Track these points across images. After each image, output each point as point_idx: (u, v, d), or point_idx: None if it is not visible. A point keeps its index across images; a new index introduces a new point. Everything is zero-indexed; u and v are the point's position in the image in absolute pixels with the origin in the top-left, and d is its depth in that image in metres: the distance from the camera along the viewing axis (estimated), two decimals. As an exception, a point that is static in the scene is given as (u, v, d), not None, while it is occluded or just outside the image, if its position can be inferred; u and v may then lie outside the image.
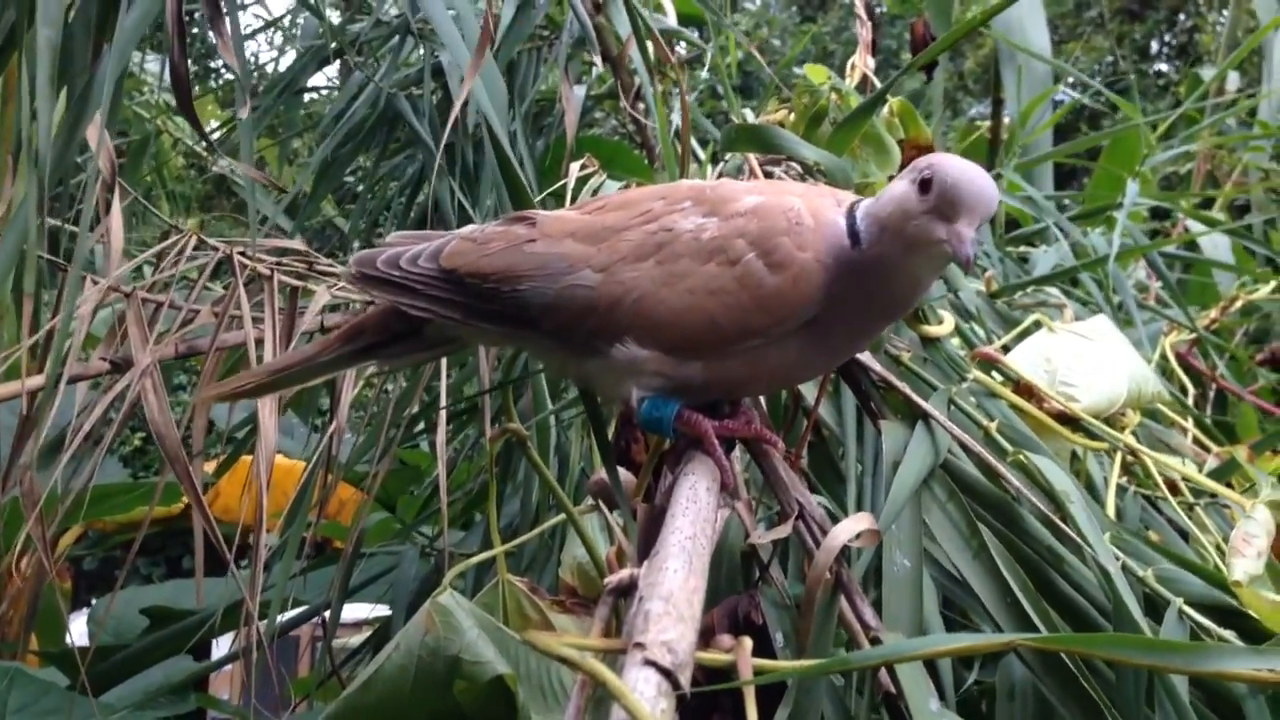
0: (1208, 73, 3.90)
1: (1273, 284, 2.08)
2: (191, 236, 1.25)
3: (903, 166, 1.43)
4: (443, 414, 1.25)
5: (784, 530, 0.72)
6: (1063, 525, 0.86)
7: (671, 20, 2.28)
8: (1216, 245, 2.77)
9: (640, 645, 0.54)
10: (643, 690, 0.51)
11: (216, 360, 1.21)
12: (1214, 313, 2.03)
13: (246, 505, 1.36)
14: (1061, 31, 9.55)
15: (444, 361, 1.33)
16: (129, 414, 1.19)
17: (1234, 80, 3.87)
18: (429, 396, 1.52)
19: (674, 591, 0.58)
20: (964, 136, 3.04)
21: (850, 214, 0.77)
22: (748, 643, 0.61)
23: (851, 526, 0.67)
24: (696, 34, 2.53)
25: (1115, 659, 0.65)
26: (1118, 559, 0.82)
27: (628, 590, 0.62)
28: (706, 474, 0.71)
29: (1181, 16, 9.05)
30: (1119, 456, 1.15)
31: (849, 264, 0.75)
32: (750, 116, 1.53)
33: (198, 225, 2.09)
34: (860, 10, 1.76)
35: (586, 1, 1.95)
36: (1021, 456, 0.92)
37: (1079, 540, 0.83)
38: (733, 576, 0.89)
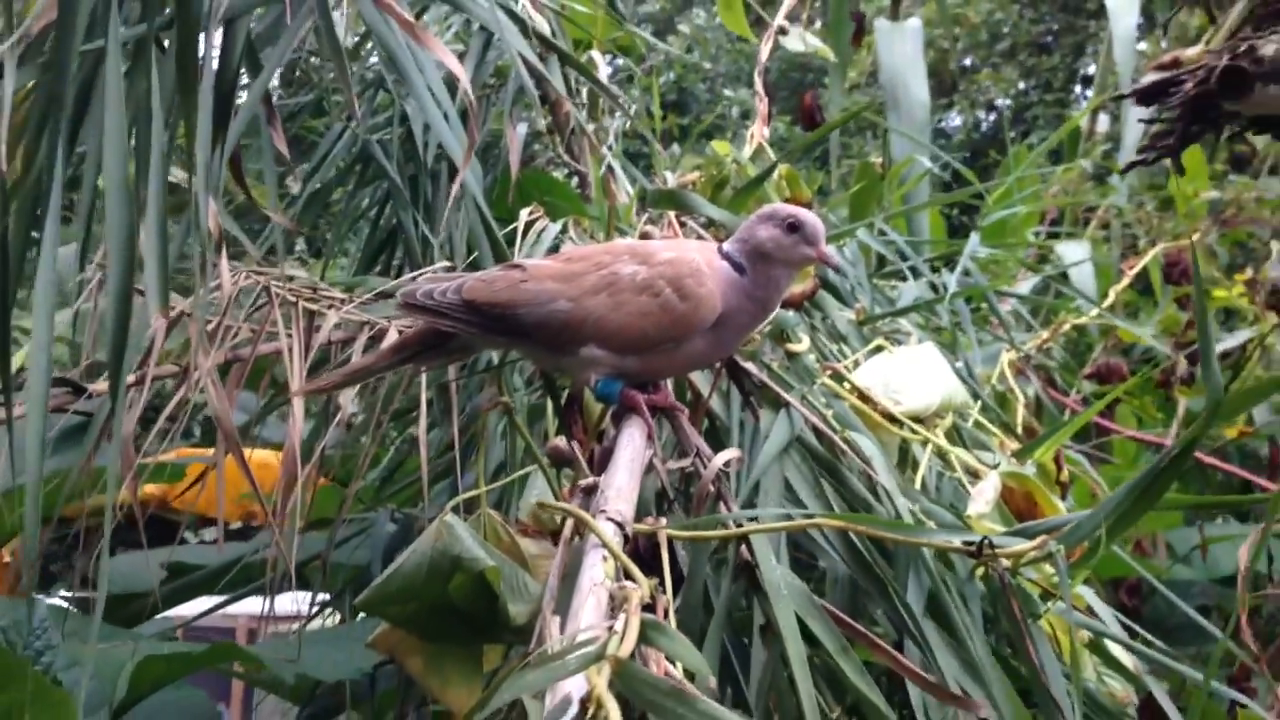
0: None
1: (1094, 311, 2.69)
2: (243, 273, 1.72)
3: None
4: (423, 403, 1.74)
5: (685, 462, 1.25)
6: (872, 478, 1.39)
7: (603, 73, 2.81)
8: (1081, 272, 3.40)
9: (603, 511, 1.05)
10: (604, 528, 1.02)
11: (250, 365, 1.70)
12: (1045, 334, 2.63)
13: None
14: (974, 61, 10.40)
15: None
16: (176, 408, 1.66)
17: (1104, 122, 4.56)
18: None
19: (622, 487, 1.10)
20: (860, 176, 3.61)
21: (723, 253, 1.31)
22: (664, 520, 1.12)
23: (726, 454, 1.20)
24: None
25: (872, 532, 1.18)
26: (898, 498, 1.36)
27: (592, 490, 1.13)
28: (639, 427, 1.24)
29: (1086, 53, 9.94)
30: (929, 447, 1.69)
31: (736, 285, 1.29)
32: (671, 178, 2.06)
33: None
34: (759, 87, 2.31)
35: (526, 58, 2.46)
36: (847, 434, 1.46)
37: (878, 488, 1.37)
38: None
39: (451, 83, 2.00)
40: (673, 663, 0.91)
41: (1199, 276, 1.14)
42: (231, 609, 2.37)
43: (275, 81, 1.70)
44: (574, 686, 0.81)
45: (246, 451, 2.21)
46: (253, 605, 2.65)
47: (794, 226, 1.32)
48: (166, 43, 1.42)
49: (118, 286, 1.11)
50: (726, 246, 1.36)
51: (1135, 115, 4.15)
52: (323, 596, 2.46)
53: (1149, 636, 1.47)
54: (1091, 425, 2.95)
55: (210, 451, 2.42)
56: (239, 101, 1.46)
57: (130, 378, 1.61)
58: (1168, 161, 1.31)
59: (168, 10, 1.31)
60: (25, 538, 1.07)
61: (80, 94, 1.27)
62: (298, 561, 2.18)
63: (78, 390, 1.56)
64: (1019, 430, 2.29)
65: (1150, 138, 1.23)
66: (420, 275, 1.80)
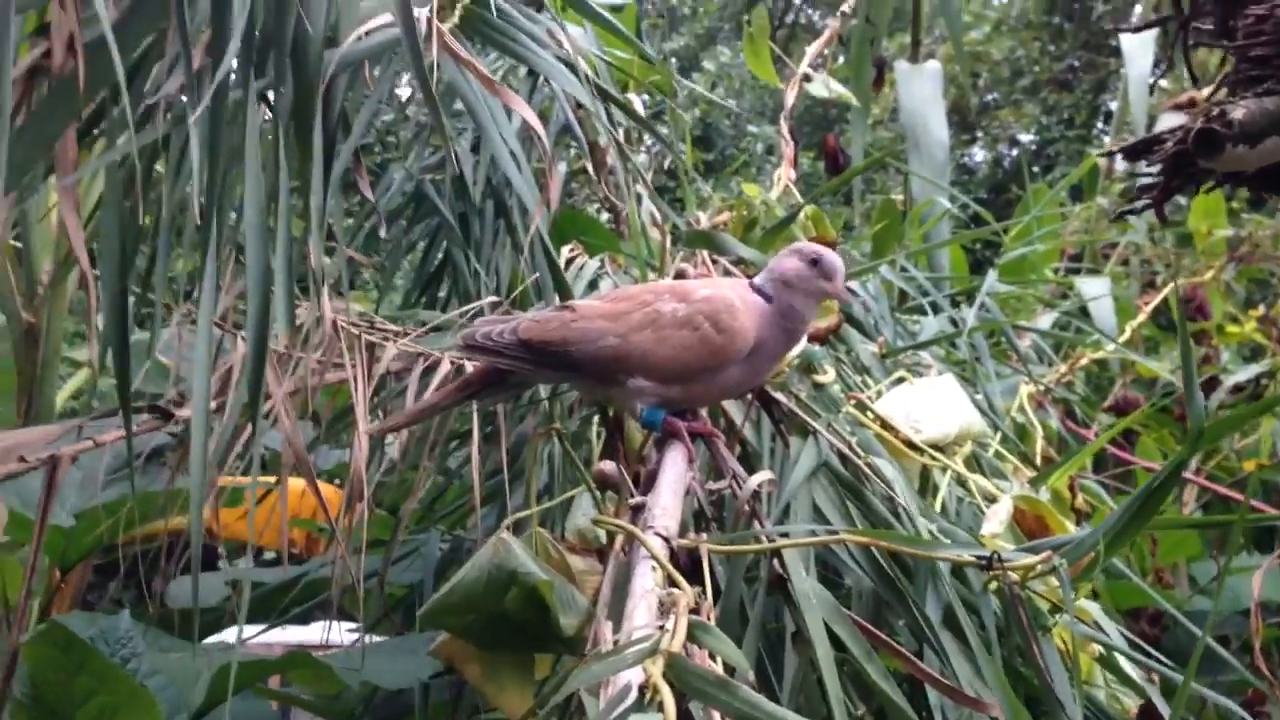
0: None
1: (1112, 346, 2.81)
2: (304, 305, 1.86)
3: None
4: (475, 429, 1.87)
5: (723, 483, 1.37)
6: (894, 500, 1.51)
7: (639, 109, 2.95)
8: (1101, 308, 3.51)
9: (650, 526, 1.18)
10: (652, 542, 1.14)
11: (317, 393, 1.83)
12: (1063, 368, 2.75)
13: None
14: (997, 98, 10.55)
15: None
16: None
17: (1121, 165, 4.68)
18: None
19: (667, 505, 1.22)
20: (882, 214, 3.75)
21: (754, 286, 1.44)
22: (704, 536, 1.25)
23: (760, 477, 1.32)
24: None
25: (892, 547, 1.30)
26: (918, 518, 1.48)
27: (640, 508, 1.26)
28: (680, 452, 1.36)
29: (1109, 89, 10.07)
30: (949, 472, 1.81)
31: (767, 315, 1.42)
32: (703, 218, 2.19)
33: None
34: (785, 131, 2.44)
35: (570, 100, 2.61)
36: (870, 460, 1.58)
37: (899, 509, 1.49)
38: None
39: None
40: (714, 660, 1.03)
41: (1181, 309, 1.26)
42: (267, 638, 2.49)
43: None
44: (631, 678, 0.93)
45: (293, 482, 2.35)
46: (286, 635, 2.77)
47: (815, 262, 1.46)
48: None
49: (257, 317, 1.25)
50: (758, 280, 1.50)
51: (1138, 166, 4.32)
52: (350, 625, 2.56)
53: (1161, 658, 1.58)
54: (1111, 458, 3.06)
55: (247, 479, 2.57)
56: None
57: (213, 404, 1.75)
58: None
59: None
60: (192, 546, 1.20)
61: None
62: (350, 581, 2.33)
63: (165, 415, 1.70)
64: (1038, 461, 2.41)
65: (1137, 189, 1.35)
66: (468, 312, 1.94)
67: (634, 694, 0.90)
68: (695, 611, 1.11)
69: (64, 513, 2.37)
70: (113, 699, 1.55)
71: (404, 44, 1.46)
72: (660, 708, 0.88)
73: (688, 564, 1.24)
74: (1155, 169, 1.37)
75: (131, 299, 1.65)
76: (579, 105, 2.62)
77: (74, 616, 1.91)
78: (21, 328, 2.81)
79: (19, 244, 2.96)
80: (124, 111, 1.31)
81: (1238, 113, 1.22)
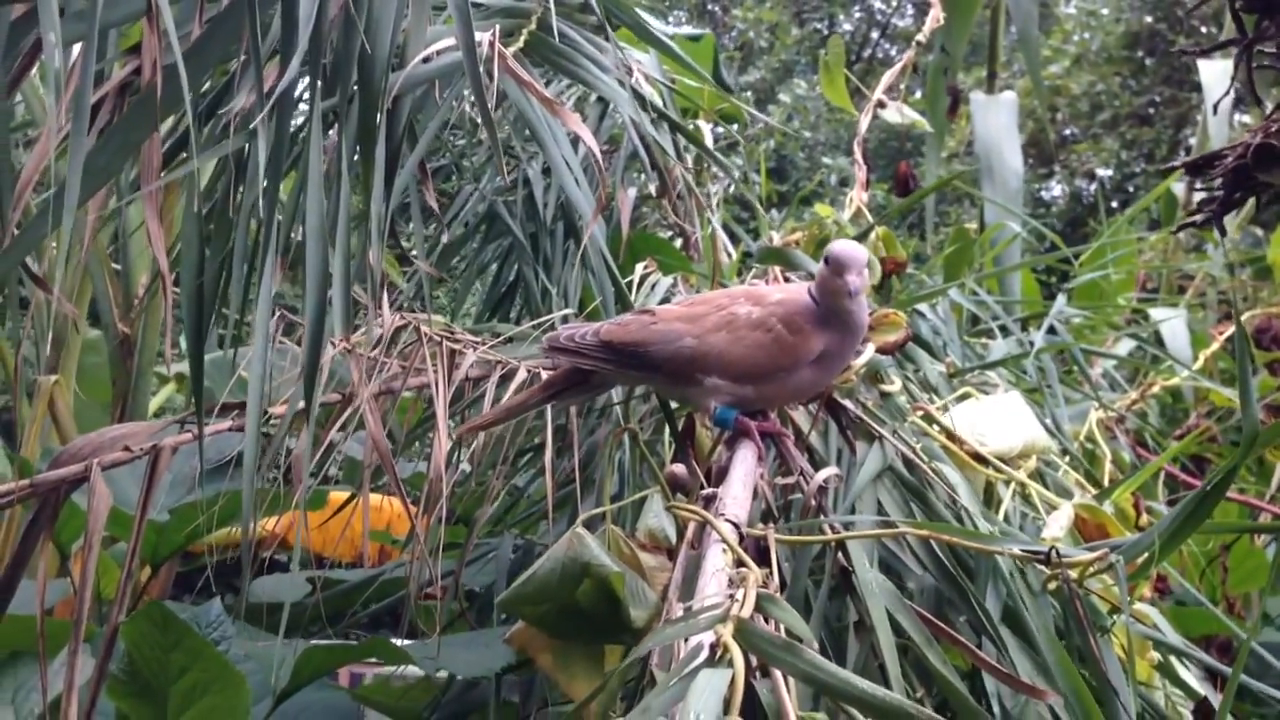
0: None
1: (1185, 373, 2.84)
2: (395, 315, 1.98)
3: (884, 279, 2.21)
4: (549, 431, 1.96)
5: (790, 479, 1.45)
6: (956, 502, 1.58)
7: (708, 139, 3.06)
8: (1176, 338, 3.53)
9: (722, 514, 1.26)
10: (723, 526, 1.23)
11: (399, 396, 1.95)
12: (1134, 394, 2.78)
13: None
14: (1075, 132, 10.53)
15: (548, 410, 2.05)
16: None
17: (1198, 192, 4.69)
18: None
19: (737, 496, 1.31)
20: (954, 239, 3.81)
21: (810, 292, 1.53)
22: (772, 528, 1.33)
23: (827, 471, 1.40)
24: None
25: (953, 540, 1.37)
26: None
27: (711, 499, 1.35)
28: (750, 449, 1.45)
29: (1190, 124, 10.01)
30: (1013, 485, 1.87)
31: (819, 317, 1.50)
32: (776, 237, 2.28)
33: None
34: (858, 155, 2.53)
35: (640, 126, 2.72)
36: (933, 465, 1.65)
37: (960, 512, 1.56)
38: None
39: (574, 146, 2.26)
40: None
41: (1242, 327, 1.31)
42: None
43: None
44: (703, 640, 1.02)
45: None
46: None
47: (828, 260, 1.50)
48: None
49: (313, 319, 1.36)
50: (812, 287, 1.57)
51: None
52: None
53: (1223, 668, 1.62)
54: (1184, 487, 3.07)
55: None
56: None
57: (299, 405, 1.87)
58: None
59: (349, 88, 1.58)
60: (244, 539, 1.32)
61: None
62: (426, 581, 2.43)
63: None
64: (1105, 484, 2.45)
65: (1199, 204, 1.42)
66: (543, 324, 2.05)
67: (706, 651, 0.98)
68: (764, 588, 1.19)
69: (153, 511, 2.51)
70: (205, 676, 1.67)
71: (465, 65, 1.56)
72: (731, 665, 0.96)
73: (755, 553, 1.33)
74: (1216, 183, 1.44)
75: (215, 318, 1.76)
76: (652, 129, 2.74)
77: (168, 604, 2.03)
78: (117, 339, 2.98)
79: (118, 266, 3.14)
80: (202, 129, 1.44)
81: (1296, 129, 1.28)
